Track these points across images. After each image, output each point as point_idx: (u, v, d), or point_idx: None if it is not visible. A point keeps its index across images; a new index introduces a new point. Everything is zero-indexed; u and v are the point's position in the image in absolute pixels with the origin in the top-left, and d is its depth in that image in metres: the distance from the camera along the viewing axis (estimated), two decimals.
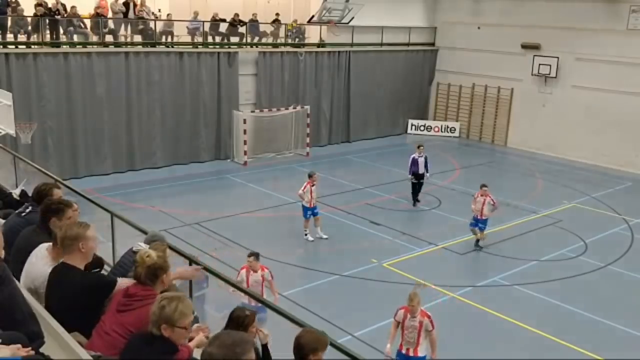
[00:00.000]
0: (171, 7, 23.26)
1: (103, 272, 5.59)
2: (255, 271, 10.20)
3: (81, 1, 20.31)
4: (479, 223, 15.21)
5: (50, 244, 4.99)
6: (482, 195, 15.16)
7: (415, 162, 18.07)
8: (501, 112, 28.36)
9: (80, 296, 4.47)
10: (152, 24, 21.98)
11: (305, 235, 15.55)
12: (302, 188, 15.25)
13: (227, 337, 3.31)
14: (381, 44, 28.27)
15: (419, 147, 18.51)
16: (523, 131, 27.37)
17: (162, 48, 21.96)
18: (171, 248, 6.30)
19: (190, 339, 4.52)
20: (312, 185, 15.25)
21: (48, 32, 19.57)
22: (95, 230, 4.82)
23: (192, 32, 22.88)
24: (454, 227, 16.82)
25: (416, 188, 18.40)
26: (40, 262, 4.92)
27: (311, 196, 15.20)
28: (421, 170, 18.11)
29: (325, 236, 15.66)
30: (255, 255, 10.37)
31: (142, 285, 4.36)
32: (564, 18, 25.26)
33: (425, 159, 18.22)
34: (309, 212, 15.40)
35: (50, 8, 19.50)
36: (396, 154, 25.93)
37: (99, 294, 4.56)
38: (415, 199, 18.50)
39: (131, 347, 3.91)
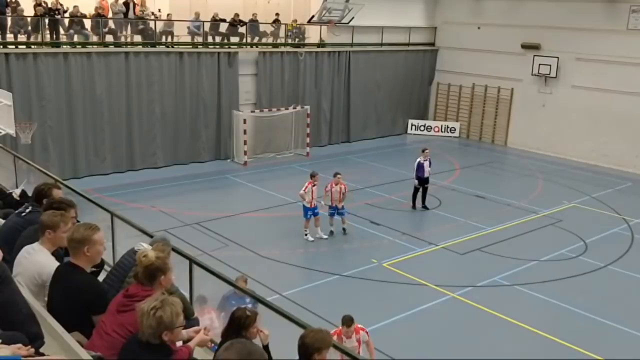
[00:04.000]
0: (171, 7, 23.25)
1: (103, 272, 5.60)
2: (349, 337, 8.43)
3: (81, 1, 20.30)
4: (337, 211, 15.74)
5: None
6: (336, 184, 15.57)
7: (420, 167, 17.85)
8: (501, 112, 28.36)
9: (83, 296, 4.48)
10: (152, 24, 21.98)
11: (306, 235, 15.53)
12: (304, 188, 15.21)
13: (244, 346, 3.42)
14: (381, 44, 28.27)
15: (423, 150, 18.24)
16: (523, 131, 27.37)
17: (162, 48, 21.96)
18: (174, 250, 6.31)
19: (189, 340, 4.53)
20: (314, 186, 15.21)
21: (48, 32, 19.56)
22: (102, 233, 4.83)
23: (193, 32, 22.86)
24: (454, 227, 16.82)
25: (418, 193, 18.14)
26: (38, 255, 4.93)
27: (312, 196, 15.16)
28: (426, 174, 17.87)
29: (325, 236, 15.65)
30: (348, 320, 8.46)
31: (142, 285, 4.35)
32: (564, 18, 25.26)
33: (430, 162, 18.02)
34: (310, 212, 15.35)
35: (50, 8, 19.50)
36: (396, 154, 25.96)
37: (101, 296, 4.56)
38: (415, 204, 18.24)
39: (127, 353, 3.90)
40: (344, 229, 15.96)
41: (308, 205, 15.25)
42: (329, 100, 26.81)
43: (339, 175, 15.72)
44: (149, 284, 4.34)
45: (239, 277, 9.29)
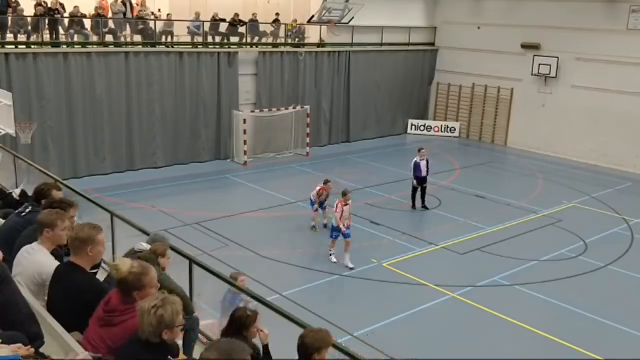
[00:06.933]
0: (171, 7, 23.26)
1: (102, 271, 5.61)
2: None
3: (81, 1, 20.31)
4: (322, 206, 16.04)
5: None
6: (326, 191, 15.82)
7: (417, 167, 17.84)
8: (501, 112, 28.36)
9: (84, 296, 4.47)
10: (152, 24, 21.99)
11: (330, 255, 14.26)
12: (335, 208, 14.02)
13: (225, 343, 3.42)
14: (381, 44, 28.27)
15: (419, 150, 18.17)
16: (523, 131, 27.37)
17: (162, 48, 21.95)
18: (173, 249, 6.32)
19: None
20: (345, 205, 13.93)
21: (48, 32, 19.56)
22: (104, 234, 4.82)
23: (193, 32, 22.86)
24: (454, 227, 16.82)
25: (417, 193, 18.15)
26: (38, 255, 4.92)
27: (341, 216, 13.81)
28: (424, 173, 17.86)
29: (351, 265, 13.89)
30: None
31: (122, 295, 4.20)
32: (564, 18, 25.27)
33: (427, 161, 18.02)
34: (336, 233, 14.03)
35: (50, 8, 19.50)
36: (396, 154, 25.95)
37: (101, 296, 4.55)
38: (415, 204, 18.24)
39: (127, 353, 3.88)
40: (325, 225, 16.16)
41: (337, 225, 13.92)
42: (329, 100, 26.81)
43: (329, 183, 16.03)
44: (126, 297, 4.18)
45: (235, 274, 9.33)
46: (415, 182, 18.00)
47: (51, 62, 19.17)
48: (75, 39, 20.34)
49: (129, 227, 7.30)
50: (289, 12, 26.63)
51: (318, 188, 15.94)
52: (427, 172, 18.03)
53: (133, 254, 5.66)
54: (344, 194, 14.18)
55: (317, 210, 16.10)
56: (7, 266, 4.46)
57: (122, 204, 16.76)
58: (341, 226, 13.85)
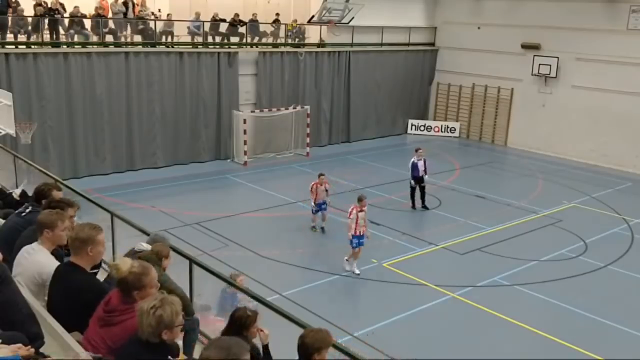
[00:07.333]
0: (171, 7, 23.25)
1: (102, 271, 5.61)
2: None
3: (81, 1, 20.31)
4: (321, 207, 16.10)
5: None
6: (321, 184, 15.88)
7: (415, 167, 17.89)
8: (501, 112, 28.37)
9: (84, 296, 4.47)
10: (152, 24, 21.98)
11: (347, 260, 13.83)
12: (349, 214, 13.59)
13: (223, 341, 3.48)
14: (381, 44, 28.27)
15: (417, 150, 18.27)
16: (523, 131, 27.37)
17: (162, 48, 21.95)
18: (173, 249, 6.32)
19: None
20: (360, 211, 13.48)
21: (48, 32, 19.56)
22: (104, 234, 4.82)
23: (193, 32, 22.85)
24: (454, 227, 16.82)
25: (416, 192, 18.16)
26: (38, 255, 4.92)
27: (357, 223, 13.36)
28: (421, 173, 17.90)
29: (357, 271, 13.63)
30: None
31: (122, 295, 4.20)
32: (564, 18, 25.27)
33: (425, 161, 18.04)
34: (355, 240, 13.47)
35: (50, 8, 19.50)
36: (396, 154, 25.94)
37: (101, 296, 4.54)
38: (414, 203, 18.25)
39: (127, 353, 3.87)
40: (322, 228, 16.25)
41: (353, 233, 13.43)
42: (329, 100, 26.82)
43: (322, 177, 16.10)
44: (126, 296, 4.18)
45: (234, 274, 9.43)
46: (412, 181, 18.04)
47: (51, 62, 19.17)
48: (75, 39, 20.34)
49: (129, 227, 7.30)
50: (289, 12, 26.63)
51: (312, 184, 15.99)
52: (426, 172, 18.05)
53: (133, 254, 5.65)
54: (360, 200, 13.69)
55: (316, 212, 16.09)
56: (7, 266, 4.45)
57: (122, 204, 16.75)
58: (349, 234, 13.43)
